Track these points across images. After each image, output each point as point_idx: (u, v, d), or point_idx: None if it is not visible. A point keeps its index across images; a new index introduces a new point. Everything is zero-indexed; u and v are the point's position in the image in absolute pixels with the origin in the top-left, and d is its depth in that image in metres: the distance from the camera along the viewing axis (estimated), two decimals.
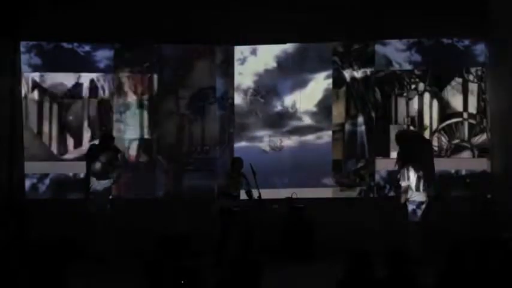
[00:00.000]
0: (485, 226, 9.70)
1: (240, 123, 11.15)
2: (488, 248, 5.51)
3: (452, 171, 10.80)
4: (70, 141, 10.95)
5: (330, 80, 11.05)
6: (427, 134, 10.81)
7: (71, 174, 10.88)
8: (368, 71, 10.97)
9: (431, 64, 10.90)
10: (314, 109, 11.12)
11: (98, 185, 9.83)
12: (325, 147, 11.03)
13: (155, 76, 11.10)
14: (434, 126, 10.88)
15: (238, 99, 11.17)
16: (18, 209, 10.43)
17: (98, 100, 11.00)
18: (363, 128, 10.97)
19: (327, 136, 11.06)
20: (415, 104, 10.95)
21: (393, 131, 10.76)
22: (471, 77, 10.81)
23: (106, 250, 9.55)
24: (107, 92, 11.01)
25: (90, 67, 10.99)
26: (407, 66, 10.95)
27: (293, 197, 10.60)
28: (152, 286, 5.10)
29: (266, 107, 11.16)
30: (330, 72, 11.06)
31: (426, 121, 10.91)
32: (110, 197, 10.01)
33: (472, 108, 10.83)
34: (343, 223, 10.10)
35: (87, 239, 9.60)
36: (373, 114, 10.95)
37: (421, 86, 10.93)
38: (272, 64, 11.17)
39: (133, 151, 11.02)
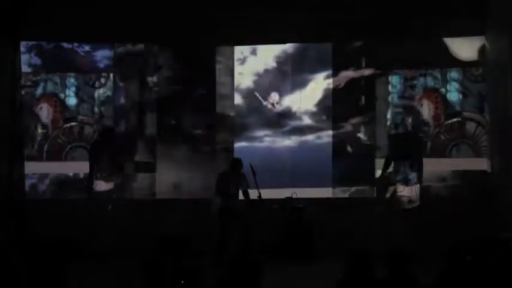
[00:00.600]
0: (485, 226, 9.72)
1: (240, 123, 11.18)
2: (488, 248, 5.51)
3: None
4: None
5: (330, 80, 11.07)
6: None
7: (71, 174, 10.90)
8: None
9: None
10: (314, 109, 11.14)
11: (100, 184, 9.82)
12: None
13: None
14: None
15: (238, 99, 11.19)
16: (18, 208, 10.43)
17: None
18: None
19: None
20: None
21: None
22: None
23: (106, 250, 9.56)
24: None
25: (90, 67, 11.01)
26: None
27: (293, 197, 10.60)
28: (152, 286, 5.10)
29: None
30: (329, 72, 11.07)
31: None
32: (113, 196, 10.02)
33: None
34: (343, 223, 10.12)
35: (87, 239, 9.60)
36: None
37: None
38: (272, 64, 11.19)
39: None
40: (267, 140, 11.17)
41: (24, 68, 10.86)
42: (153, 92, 11.12)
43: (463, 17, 10.51)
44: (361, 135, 10.97)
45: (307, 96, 11.13)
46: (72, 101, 11.04)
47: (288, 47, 11.15)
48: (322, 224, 10.10)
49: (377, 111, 10.95)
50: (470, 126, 10.82)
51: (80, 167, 10.58)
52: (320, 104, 11.12)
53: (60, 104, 10.99)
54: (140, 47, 11.07)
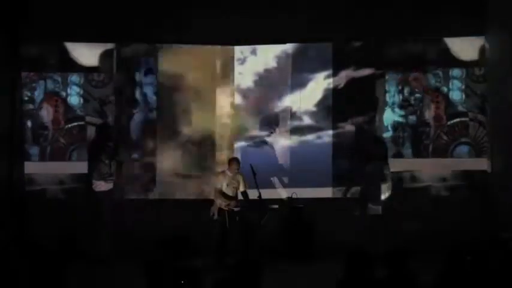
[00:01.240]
0: (486, 226, 9.73)
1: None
2: (488, 248, 5.51)
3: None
4: None
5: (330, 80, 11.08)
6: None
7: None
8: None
9: None
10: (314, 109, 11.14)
11: (99, 183, 9.83)
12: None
13: None
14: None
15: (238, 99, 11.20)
16: (18, 208, 10.43)
17: None
18: None
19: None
20: None
21: None
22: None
23: (106, 250, 9.57)
24: None
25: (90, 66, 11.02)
26: None
27: (293, 197, 10.60)
28: (152, 286, 5.09)
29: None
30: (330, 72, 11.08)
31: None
32: (112, 195, 10.03)
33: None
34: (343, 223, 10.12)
35: (87, 240, 9.60)
36: None
37: None
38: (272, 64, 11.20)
39: None
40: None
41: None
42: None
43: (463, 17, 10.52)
44: None
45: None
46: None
47: (288, 47, 11.15)
48: (322, 224, 10.09)
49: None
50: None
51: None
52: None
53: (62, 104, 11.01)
54: (143, 46, 11.10)
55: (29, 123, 10.89)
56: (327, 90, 11.08)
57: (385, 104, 10.97)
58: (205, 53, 11.12)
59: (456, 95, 10.90)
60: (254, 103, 11.20)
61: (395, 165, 10.61)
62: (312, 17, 10.63)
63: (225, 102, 11.15)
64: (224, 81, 11.15)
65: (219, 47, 11.11)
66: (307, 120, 11.13)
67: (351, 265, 5.14)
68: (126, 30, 10.67)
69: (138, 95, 11.09)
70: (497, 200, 10.28)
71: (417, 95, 10.95)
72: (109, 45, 10.99)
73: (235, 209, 9.56)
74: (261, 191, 9.64)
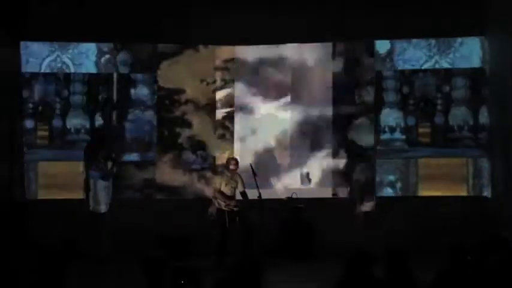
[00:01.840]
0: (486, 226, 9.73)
1: None
2: (488, 248, 5.51)
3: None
4: None
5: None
6: None
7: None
8: None
9: None
10: None
11: (97, 183, 9.84)
12: None
13: None
14: None
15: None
16: (18, 209, 10.43)
17: None
18: None
19: None
20: None
21: None
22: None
23: (106, 250, 9.57)
24: None
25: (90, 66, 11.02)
26: None
27: (293, 197, 10.60)
28: (152, 286, 5.09)
29: None
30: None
31: None
32: (110, 195, 10.03)
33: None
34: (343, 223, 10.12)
35: (87, 239, 9.60)
36: None
37: None
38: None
39: None
40: None
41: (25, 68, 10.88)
42: None
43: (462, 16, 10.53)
44: None
45: None
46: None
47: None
48: (322, 224, 10.09)
49: None
50: None
51: None
52: None
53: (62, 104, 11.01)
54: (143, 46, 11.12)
55: (30, 124, 10.89)
56: None
57: None
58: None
59: None
60: None
61: None
62: (311, 18, 10.64)
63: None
64: None
65: None
66: None
67: (350, 265, 5.14)
68: (126, 30, 10.67)
69: (137, 95, 11.10)
70: (497, 200, 10.29)
71: None
72: (109, 45, 11.02)
73: (235, 209, 9.56)
74: (261, 190, 9.65)
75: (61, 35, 10.74)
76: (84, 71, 11.00)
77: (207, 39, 10.95)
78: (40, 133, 10.92)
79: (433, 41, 10.84)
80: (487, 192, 10.63)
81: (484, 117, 10.70)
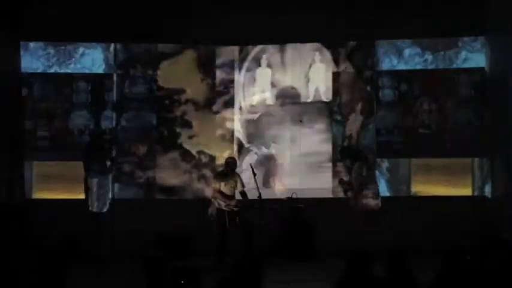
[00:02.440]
0: (486, 226, 9.73)
1: None
2: (488, 248, 5.51)
3: None
4: None
5: None
6: None
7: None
8: None
9: None
10: None
11: (97, 183, 9.84)
12: None
13: None
14: None
15: None
16: (18, 208, 10.43)
17: None
18: None
19: None
20: None
21: None
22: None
23: (106, 250, 9.57)
24: None
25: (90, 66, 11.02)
26: None
27: (293, 197, 10.60)
28: (152, 286, 5.10)
29: None
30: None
31: None
32: (110, 195, 10.04)
33: None
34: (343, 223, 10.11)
35: (87, 239, 9.61)
36: None
37: None
38: None
39: None
40: None
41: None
42: None
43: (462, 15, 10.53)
44: None
45: None
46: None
47: None
48: (322, 224, 10.09)
49: None
50: None
51: None
52: None
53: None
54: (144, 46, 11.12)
55: (30, 124, 10.88)
56: None
57: None
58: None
59: None
60: None
61: None
62: (312, 18, 10.65)
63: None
64: None
65: None
66: None
67: (350, 265, 5.14)
68: (126, 30, 10.68)
69: (137, 95, 11.10)
70: (497, 200, 10.30)
71: None
72: (109, 45, 11.03)
73: (235, 209, 9.56)
74: (261, 190, 9.65)
75: (61, 35, 10.74)
76: (84, 71, 11.00)
77: (207, 39, 10.95)
78: (40, 133, 10.92)
79: (433, 41, 10.83)
80: (487, 192, 10.63)
81: (484, 117, 10.70)
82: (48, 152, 10.91)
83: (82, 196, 10.05)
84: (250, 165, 9.95)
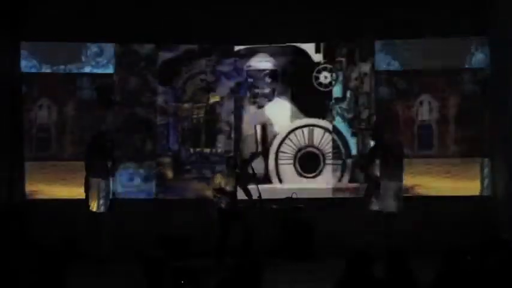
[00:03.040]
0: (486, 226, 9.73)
1: None
2: (488, 248, 5.51)
3: None
4: None
5: None
6: None
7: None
8: None
9: None
10: None
11: (97, 183, 9.85)
12: None
13: None
14: None
15: None
16: (18, 208, 10.44)
17: None
18: None
19: None
20: None
21: None
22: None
23: (106, 250, 9.57)
24: None
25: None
26: None
27: (293, 197, 10.60)
28: (152, 286, 5.10)
29: None
30: None
31: None
32: (110, 196, 10.04)
33: None
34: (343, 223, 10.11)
35: (87, 239, 9.61)
36: None
37: None
38: None
39: None
40: None
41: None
42: None
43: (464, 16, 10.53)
44: None
45: None
46: None
47: None
48: (322, 224, 10.09)
49: None
50: None
51: None
52: None
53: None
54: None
55: (29, 123, 10.88)
56: None
57: None
58: None
59: None
60: None
61: None
62: (312, 18, 10.65)
63: None
64: None
65: None
66: None
67: (350, 265, 5.14)
68: (126, 30, 10.68)
69: (137, 95, 11.11)
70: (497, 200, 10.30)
71: None
72: (109, 45, 11.03)
73: (235, 209, 9.56)
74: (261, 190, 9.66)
75: (61, 35, 10.73)
76: (84, 71, 11.00)
77: (207, 39, 10.95)
78: (40, 133, 10.91)
79: (433, 41, 10.83)
80: (487, 192, 10.62)
81: (484, 117, 10.69)
82: (48, 152, 10.91)
83: (82, 196, 10.06)
84: (251, 165, 9.94)
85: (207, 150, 11.16)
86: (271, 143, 11.16)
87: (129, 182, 10.99)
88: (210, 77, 11.17)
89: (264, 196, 9.76)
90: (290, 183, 10.99)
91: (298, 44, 11.11)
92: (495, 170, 10.52)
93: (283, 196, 10.72)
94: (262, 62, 11.17)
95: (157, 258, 5.29)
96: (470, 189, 10.69)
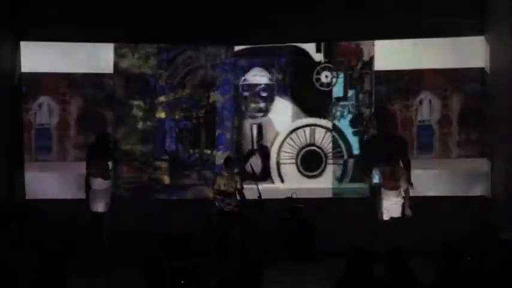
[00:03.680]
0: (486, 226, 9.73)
1: None
2: (488, 248, 5.51)
3: None
4: None
5: None
6: None
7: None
8: None
9: None
10: None
11: (97, 183, 9.85)
12: None
13: None
14: None
15: None
16: (19, 209, 10.42)
17: None
18: None
19: None
20: None
21: None
22: None
23: (106, 250, 9.57)
24: None
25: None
26: None
27: (293, 197, 10.60)
28: (152, 286, 5.10)
29: None
30: None
31: None
32: (110, 195, 10.05)
33: None
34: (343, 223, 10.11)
35: (87, 239, 9.61)
36: None
37: None
38: None
39: None
40: None
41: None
42: None
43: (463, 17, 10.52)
44: None
45: None
46: None
47: None
48: (322, 224, 10.09)
49: None
50: None
51: None
52: None
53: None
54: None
55: (30, 124, 10.88)
56: None
57: None
58: None
59: None
60: None
61: None
62: (312, 18, 10.65)
63: None
64: None
65: None
66: None
67: (350, 265, 5.14)
68: (126, 30, 10.68)
69: (138, 95, 11.11)
70: (497, 200, 10.29)
71: None
72: (110, 45, 11.03)
73: (235, 210, 9.56)
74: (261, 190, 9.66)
75: (61, 35, 10.73)
76: (84, 71, 10.99)
77: (207, 39, 10.95)
78: (40, 133, 10.91)
79: (433, 41, 10.82)
80: (487, 192, 10.62)
81: (484, 116, 10.69)
82: (48, 152, 10.90)
83: (82, 196, 10.06)
84: (251, 165, 9.94)
85: (207, 151, 11.15)
86: (272, 143, 11.16)
87: None
88: (210, 76, 11.16)
89: (264, 196, 9.75)
90: (292, 182, 10.98)
91: (298, 44, 11.11)
92: (495, 170, 10.51)
93: (283, 196, 10.71)
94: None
95: (157, 258, 5.29)
96: (470, 189, 10.69)
